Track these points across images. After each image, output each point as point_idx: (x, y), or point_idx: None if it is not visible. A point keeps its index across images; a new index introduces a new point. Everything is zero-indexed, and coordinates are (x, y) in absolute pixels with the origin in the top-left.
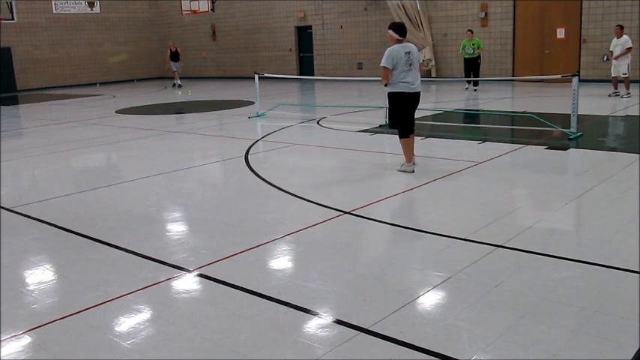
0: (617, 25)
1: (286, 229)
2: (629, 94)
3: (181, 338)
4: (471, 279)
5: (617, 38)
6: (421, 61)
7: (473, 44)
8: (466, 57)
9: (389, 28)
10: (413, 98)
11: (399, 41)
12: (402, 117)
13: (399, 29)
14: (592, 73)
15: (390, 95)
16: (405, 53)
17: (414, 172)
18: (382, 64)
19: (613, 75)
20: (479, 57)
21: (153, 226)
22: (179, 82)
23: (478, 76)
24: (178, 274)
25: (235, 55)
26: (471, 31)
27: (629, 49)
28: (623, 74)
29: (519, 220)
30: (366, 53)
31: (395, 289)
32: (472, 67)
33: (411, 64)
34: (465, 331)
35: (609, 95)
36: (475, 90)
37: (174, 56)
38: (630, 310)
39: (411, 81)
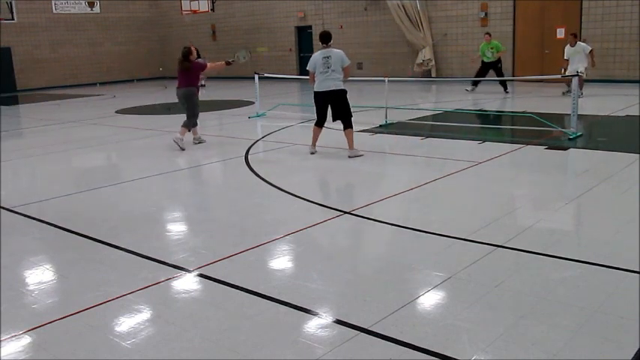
0: (571, 34)
1: (286, 229)
2: (581, 94)
3: (181, 338)
4: (471, 279)
5: (572, 46)
6: (421, 61)
7: (492, 48)
8: (485, 61)
9: None
10: (326, 96)
11: (322, 47)
12: (317, 111)
13: (320, 37)
14: (592, 73)
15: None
16: (324, 57)
17: (313, 153)
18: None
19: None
20: (499, 61)
21: (153, 226)
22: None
23: (504, 79)
24: (178, 274)
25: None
26: (489, 35)
27: (592, 52)
28: (580, 72)
29: (519, 220)
30: (366, 53)
31: (395, 289)
32: (493, 70)
33: (328, 67)
34: (465, 331)
35: (563, 94)
36: (507, 92)
37: (197, 55)
38: (630, 310)
39: (325, 82)
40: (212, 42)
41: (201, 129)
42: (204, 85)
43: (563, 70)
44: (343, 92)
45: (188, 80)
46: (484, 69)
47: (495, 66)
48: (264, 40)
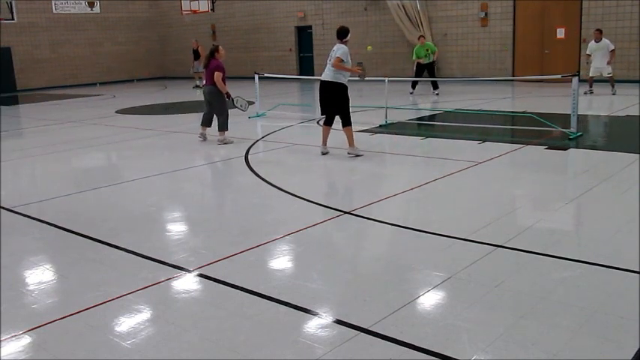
0: (597, 30)
1: (286, 229)
2: (615, 91)
3: (181, 338)
4: (471, 279)
5: (597, 42)
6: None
7: (427, 50)
8: (421, 63)
9: None
10: (321, 86)
11: (337, 42)
12: (320, 104)
13: (336, 32)
14: (586, 74)
15: None
16: (332, 51)
17: (327, 153)
18: None
19: (591, 75)
20: (434, 62)
21: (153, 226)
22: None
23: (435, 79)
24: (178, 274)
25: (235, 55)
26: (423, 37)
27: (614, 51)
28: (609, 74)
29: (519, 220)
30: (367, 53)
31: (395, 289)
32: (428, 72)
33: (329, 60)
34: (465, 331)
35: (585, 93)
36: (437, 94)
37: (197, 55)
38: (630, 310)
39: (324, 72)
40: (212, 42)
41: (202, 129)
42: (198, 86)
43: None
44: (334, 85)
45: (210, 79)
46: (419, 70)
47: (430, 67)
48: (264, 40)
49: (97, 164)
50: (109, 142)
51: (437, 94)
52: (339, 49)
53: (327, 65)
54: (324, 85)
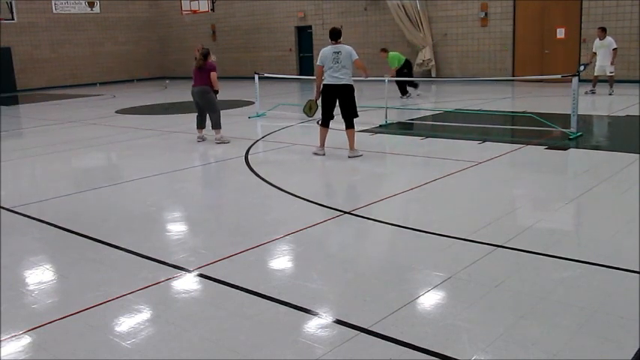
0: (600, 28)
1: (286, 229)
2: (613, 91)
3: (181, 338)
4: (471, 279)
5: (600, 40)
6: (421, 61)
7: (398, 62)
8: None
9: None
10: (334, 90)
11: (332, 43)
12: (323, 107)
13: (330, 33)
14: (592, 73)
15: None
16: (334, 52)
17: (323, 155)
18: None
19: (596, 74)
20: (405, 67)
21: (153, 226)
22: None
23: (413, 80)
24: (178, 274)
25: (235, 55)
26: (385, 50)
27: (615, 50)
28: (610, 73)
29: (519, 220)
30: (366, 53)
31: (395, 289)
32: (404, 76)
33: (337, 62)
34: (465, 331)
35: (585, 93)
36: (418, 94)
37: None
38: (630, 310)
39: (334, 75)
40: (212, 42)
41: (198, 132)
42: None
43: (583, 67)
44: (350, 88)
45: (202, 79)
46: (398, 75)
47: (401, 71)
48: (264, 40)
49: (97, 164)
50: (109, 142)
51: (418, 94)
52: (351, 51)
53: (335, 68)
54: (341, 88)
